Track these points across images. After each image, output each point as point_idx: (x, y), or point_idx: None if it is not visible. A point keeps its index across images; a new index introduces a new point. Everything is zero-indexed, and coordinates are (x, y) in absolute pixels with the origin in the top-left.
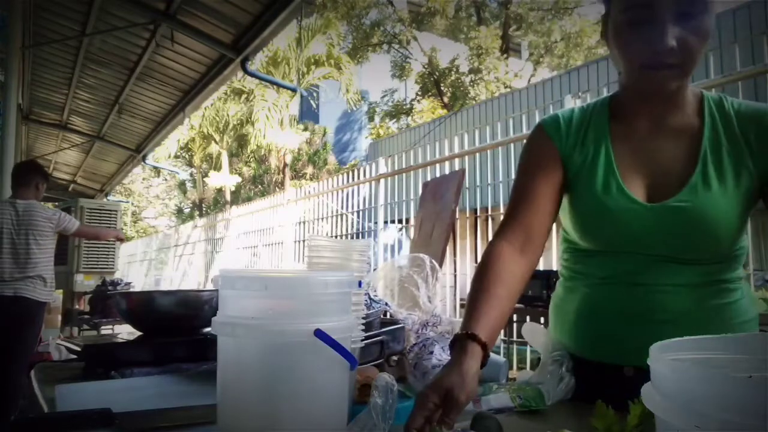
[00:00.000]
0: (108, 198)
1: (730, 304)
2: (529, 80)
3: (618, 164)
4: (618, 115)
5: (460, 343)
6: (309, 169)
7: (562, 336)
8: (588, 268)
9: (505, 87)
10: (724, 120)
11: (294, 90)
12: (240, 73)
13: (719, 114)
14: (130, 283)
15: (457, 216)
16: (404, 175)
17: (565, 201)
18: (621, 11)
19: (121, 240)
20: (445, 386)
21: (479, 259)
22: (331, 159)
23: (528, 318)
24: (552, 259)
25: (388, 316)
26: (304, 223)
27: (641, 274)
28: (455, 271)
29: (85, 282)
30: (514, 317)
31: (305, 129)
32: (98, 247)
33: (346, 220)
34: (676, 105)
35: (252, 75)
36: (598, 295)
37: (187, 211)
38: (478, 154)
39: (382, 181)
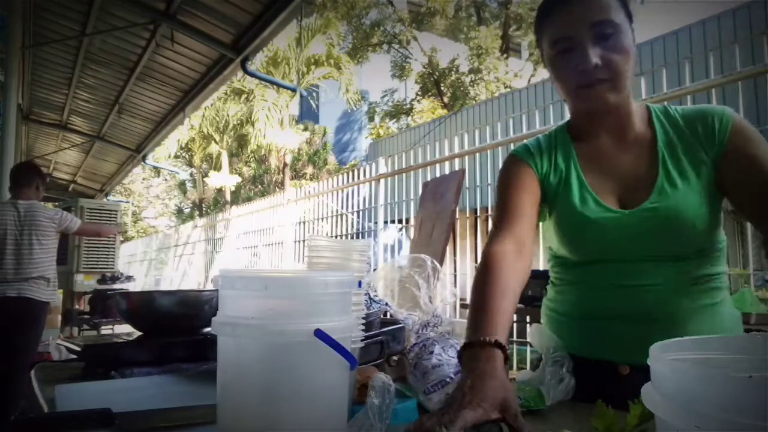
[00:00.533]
0: (108, 198)
1: (718, 304)
2: (529, 80)
3: (588, 180)
4: (578, 138)
5: (486, 350)
6: (309, 169)
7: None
8: (578, 277)
9: (505, 87)
10: (672, 124)
11: (294, 90)
12: (240, 73)
13: (667, 120)
14: (131, 276)
15: (457, 216)
16: (404, 175)
17: (548, 222)
18: (549, 47)
19: (122, 233)
20: (500, 398)
21: (478, 264)
22: (331, 159)
23: (528, 318)
24: None
25: (388, 316)
26: (304, 223)
27: (630, 277)
28: (455, 271)
29: (85, 282)
30: (514, 317)
31: (305, 129)
32: (98, 247)
33: (346, 220)
34: (624, 119)
35: (252, 75)
36: (590, 298)
37: (187, 211)
38: (478, 154)
39: (382, 181)
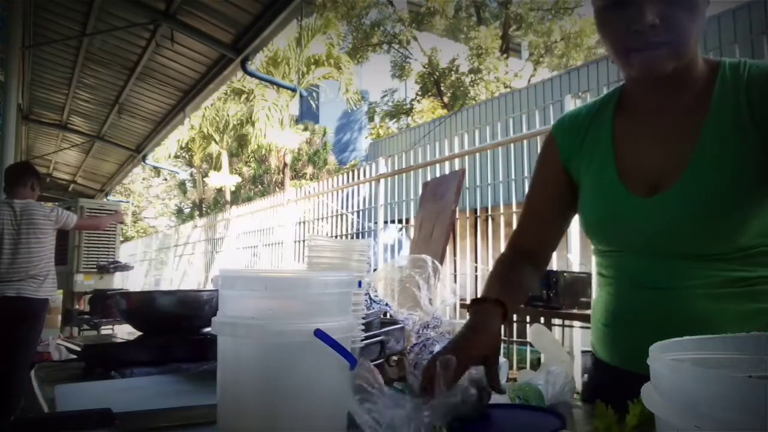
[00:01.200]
0: (108, 198)
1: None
2: (529, 80)
3: (621, 157)
4: (624, 106)
5: (485, 306)
6: (309, 169)
7: (594, 341)
8: (610, 270)
9: (505, 87)
10: (734, 86)
11: (294, 90)
12: (240, 73)
13: (733, 80)
14: (128, 265)
15: (457, 216)
16: (404, 175)
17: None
18: None
19: (121, 222)
20: (481, 355)
21: (481, 263)
22: (331, 159)
23: (528, 318)
24: (552, 259)
25: (388, 317)
26: (304, 223)
27: (659, 276)
28: (455, 271)
29: (85, 282)
30: (514, 317)
31: (305, 129)
32: (98, 247)
33: (346, 220)
34: (681, 86)
35: (252, 75)
36: (621, 299)
37: (187, 211)
38: (478, 154)
39: (382, 181)
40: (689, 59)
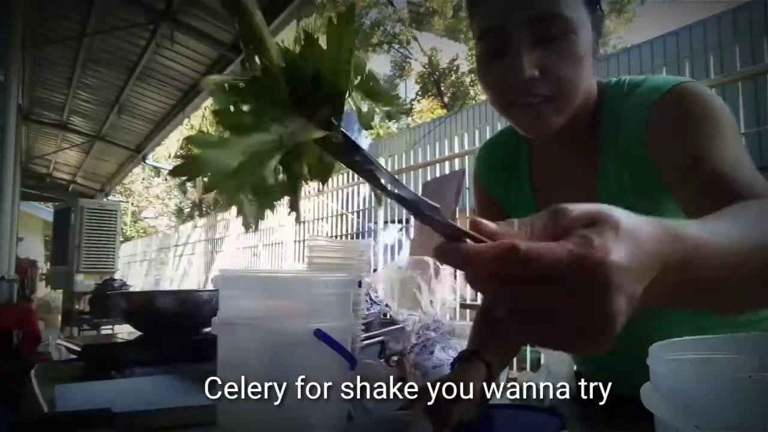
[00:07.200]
0: (108, 198)
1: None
2: None
3: (541, 208)
4: (536, 154)
5: (465, 361)
6: None
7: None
8: None
9: None
10: (617, 115)
11: None
12: None
13: (616, 114)
14: (125, 283)
15: (457, 216)
16: (404, 175)
17: None
18: (477, 40)
19: None
20: (451, 384)
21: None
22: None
23: None
24: None
25: (388, 317)
26: (304, 223)
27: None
28: (455, 271)
29: (85, 282)
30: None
31: None
32: (98, 247)
33: (347, 221)
34: (575, 137)
35: None
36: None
37: (187, 211)
38: None
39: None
40: (579, 106)
